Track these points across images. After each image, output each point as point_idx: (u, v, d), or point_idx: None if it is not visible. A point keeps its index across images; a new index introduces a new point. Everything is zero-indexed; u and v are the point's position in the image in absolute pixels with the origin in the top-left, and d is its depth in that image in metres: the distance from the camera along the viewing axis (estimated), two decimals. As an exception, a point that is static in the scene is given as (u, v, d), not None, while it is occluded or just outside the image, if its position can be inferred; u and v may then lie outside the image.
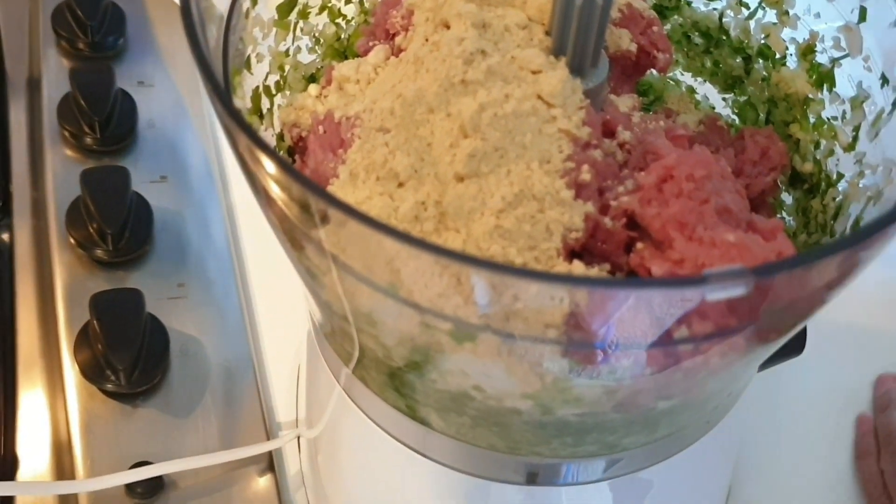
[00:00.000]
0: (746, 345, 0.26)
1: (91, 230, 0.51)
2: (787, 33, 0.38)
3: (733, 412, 0.36)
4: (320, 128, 0.31)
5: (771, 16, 0.38)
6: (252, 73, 0.33)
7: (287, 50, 0.35)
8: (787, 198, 0.38)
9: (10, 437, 0.46)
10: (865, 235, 0.22)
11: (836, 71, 0.35)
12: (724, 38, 0.40)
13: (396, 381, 0.30)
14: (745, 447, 0.47)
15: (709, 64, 0.41)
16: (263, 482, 0.46)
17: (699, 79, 0.42)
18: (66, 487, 0.44)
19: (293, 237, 0.27)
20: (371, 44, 0.34)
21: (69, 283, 0.51)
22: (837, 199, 0.34)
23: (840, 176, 0.35)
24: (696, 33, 0.41)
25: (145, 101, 0.59)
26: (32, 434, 0.47)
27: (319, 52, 0.37)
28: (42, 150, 0.56)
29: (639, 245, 0.28)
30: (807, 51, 0.37)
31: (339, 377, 0.36)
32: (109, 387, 0.47)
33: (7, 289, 0.51)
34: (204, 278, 0.53)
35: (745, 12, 0.39)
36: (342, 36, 0.38)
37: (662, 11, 0.41)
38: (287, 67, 0.35)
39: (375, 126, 0.29)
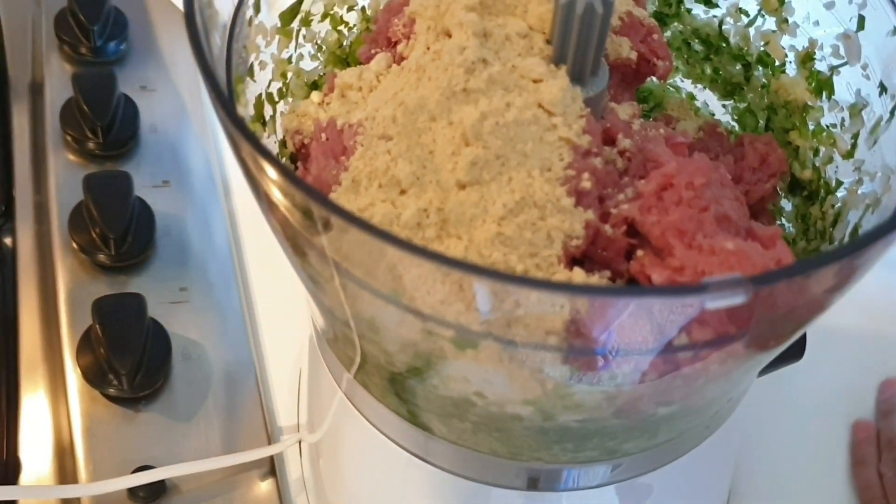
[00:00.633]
0: (746, 352, 0.26)
1: (93, 235, 0.51)
2: (786, 41, 0.38)
3: (733, 417, 0.36)
4: (323, 135, 0.31)
5: (770, 23, 0.38)
6: (255, 81, 0.33)
7: (290, 57, 0.36)
8: (786, 204, 0.38)
9: (12, 441, 0.47)
10: (863, 244, 0.22)
11: (835, 78, 0.36)
12: (724, 45, 0.40)
13: (398, 386, 0.30)
14: (744, 452, 0.47)
15: (709, 71, 0.41)
16: (265, 486, 0.46)
17: (699, 85, 0.42)
18: (68, 491, 0.44)
19: (296, 244, 0.27)
20: (373, 51, 0.34)
21: (71, 288, 0.51)
22: (836, 207, 0.34)
23: (839, 183, 0.35)
24: (696, 40, 0.41)
25: (147, 106, 0.59)
26: (35, 438, 0.47)
27: (322, 59, 0.38)
28: (45, 154, 0.57)
29: (639, 252, 0.29)
30: (806, 58, 0.37)
31: (341, 382, 0.36)
32: (112, 391, 0.47)
33: (10, 293, 0.52)
34: (206, 282, 0.53)
35: (745, 20, 0.39)
36: (344, 43, 0.38)
37: (663, 18, 0.41)
38: (290, 75, 0.36)
39: (377, 133, 0.30)
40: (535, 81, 0.29)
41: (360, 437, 0.36)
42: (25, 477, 0.46)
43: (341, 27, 0.38)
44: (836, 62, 0.36)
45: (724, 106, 0.41)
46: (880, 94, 0.33)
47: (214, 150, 0.59)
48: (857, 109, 0.34)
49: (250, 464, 0.46)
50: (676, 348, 0.24)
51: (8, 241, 0.54)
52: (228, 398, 0.49)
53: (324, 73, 0.37)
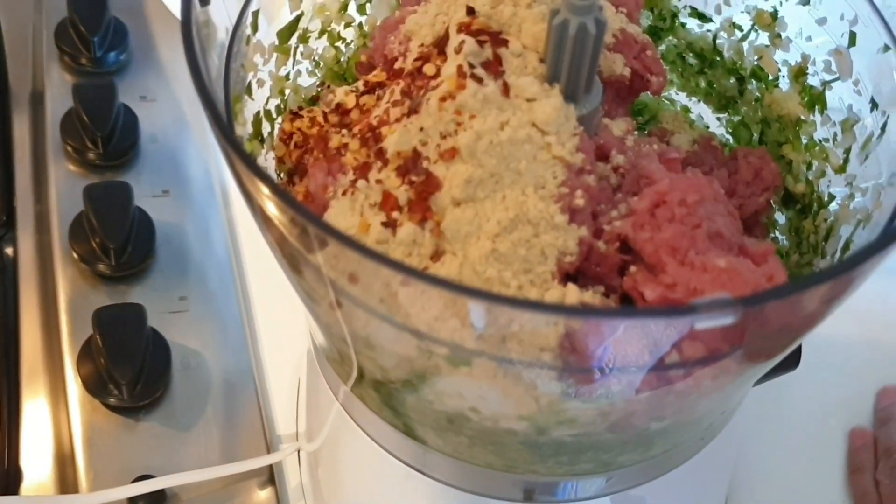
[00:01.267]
0: (738, 367, 0.27)
1: (94, 245, 0.51)
2: (779, 55, 0.38)
3: (728, 428, 0.36)
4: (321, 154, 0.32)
5: (764, 38, 0.39)
6: (253, 99, 0.33)
7: (287, 74, 0.36)
8: (780, 217, 0.38)
9: (13, 451, 0.47)
10: (851, 265, 0.22)
11: (828, 93, 0.36)
12: (718, 59, 0.40)
13: (394, 400, 0.31)
14: (740, 460, 0.48)
15: (703, 84, 0.42)
16: (264, 495, 0.47)
17: (693, 98, 0.42)
18: (68, 501, 0.44)
19: (292, 261, 0.28)
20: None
21: (72, 298, 0.51)
22: (829, 221, 0.34)
23: (832, 197, 0.35)
24: (691, 54, 0.41)
25: (147, 116, 0.59)
26: (35, 447, 0.47)
27: (319, 75, 0.38)
28: (45, 164, 0.57)
29: (632, 268, 0.29)
30: (798, 73, 0.37)
31: (338, 394, 0.36)
32: (112, 401, 0.47)
33: (11, 302, 0.52)
34: (205, 292, 0.53)
35: (739, 34, 0.39)
36: (342, 59, 0.39)
37: (657, 33, 0.41)
38: (288, 91, 0.36)
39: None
40: (528, 101, 0.29)
41: (357, 449, 0.37)
42: (26, 486, 0.46)
43: (339, 43, 0.38)
44: (828, 77, 0.36)
45: (718, 119, 0.42)
46: (871, 109, 0.34)
47: (214, 160, 0.59)
48: (848, 124, 0.35)
49: (249, 472, 0.47)
50: (669, 365, 0.24)
51: (9, 250, 0.54)
52: (228, 407, 0.49)
53: (321, 90, 0.37)
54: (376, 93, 0.32)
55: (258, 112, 0.34)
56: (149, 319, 0.49)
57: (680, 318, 0.22)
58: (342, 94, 0.33)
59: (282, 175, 0.34)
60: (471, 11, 0.31)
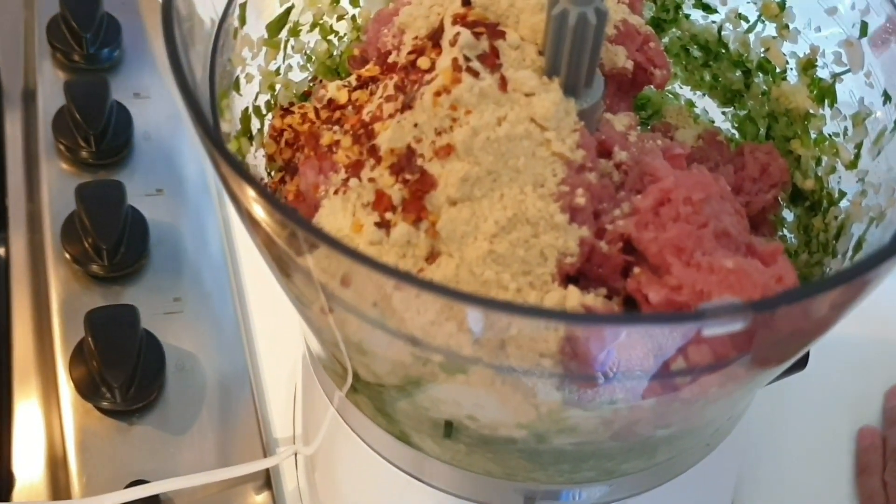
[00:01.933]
0: (746, 373, 0.26)
1: (86, 245, 0.51)
2: (787, 47, 0.37)
3: (735, 432, 0.35)
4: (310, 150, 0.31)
5: (771, 29, 0.37)
6: (241, 94, 0.32)
7: (277, 69, 0.35)
8: (788, 214, 0.37)
9: (5, 456, 0.46)
10: (868, 267, 0.21)
11: (838, 86, 0.35)
12: (723, 51, 0.39)
13: (389, 407, 0.30)
14: (747, 461, 0.47)
15: (708, 77, 0.40)
16: (261, 500, 0.46)
17: (698, 92, 0.41)
18: (61, 507, 0.44)
19: (281, 264, 0.27)
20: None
21: (64, 299, 0.50)
22: (839, 218, 0.33)
23: (842, 194, 0.34)
24: (695, 46, 0.40)
25: (141, 114, 0.58)
26: (27, 452, 0.46)
27: (311, 69, 0.37)
28: (37, 163, 0.56)
29: (636, 270, 0.28)
30: (807, 65, 0.36)
31: (333, 399, 0.35)
32: (105, 404, 0.46)
33: (2, 304, 0.51)
34: (200, 292, 0.52)
35: (745, 25, 0.38)
36: (334, 53, 0.38)
37: (660, 24, 0.40)
38: (278, 87, 0.35)
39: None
40: (527, 95, 0.28)
41: (353, 455, 0.36)
42: (18, 492, 0.45)
43: (331, 37, 0.37)
44: (838, 69, 0.35)
45: (723, 113, 0.40)
46: (884, 102, 0.33)
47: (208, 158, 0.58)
48: (860, 118, 0.34)
49: (246, 477, 0.46)
50: (675, 372, 0.23)
51: (1, 250, 0.54)
52: (223, 410, 0.48)
53: (313, 84, 0.36)
54: (369, 88, 0.31)
55: (247, 108, 0.33)
56: (142, 321, 0.48)
57: (687, 325, 0.21)
58: (334, 89, 0.32)
59: (272, 173, 0.33)
60: (466, 2, 0.30)
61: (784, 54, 0.37)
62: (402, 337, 0.24)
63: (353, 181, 0.29)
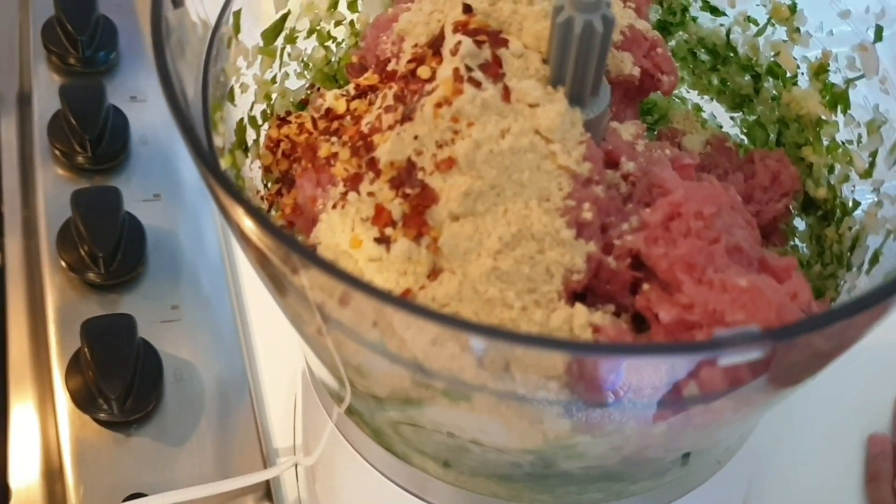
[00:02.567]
0: (761, 397, 0.25)
1: (82, 253, 0.50)
2: (798, 51, 0.36)
3: (745, 447, 0.34)
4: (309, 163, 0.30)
5: (781, 33, 0.36)
6: (235, 105, 0.31)
7: (274, 77, 0.34)
8: (800, 223, 0.36)
9: (1, 468, 0.45)
10: (891, 291, 0.20)
11: (851, 92, 0.34)
12: (732, 55, 0.38)
13: (389, 428, 0.29)
14: (755, 469, 0.46)
15: (716, 82, 0.39)
16: (261, 512, 0.45)
17: (706, 97, 0.40)
18: (57, 522, 0.43)
19: (276, 281, 0.26)
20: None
21: (61, 307, 0.50)
22: (854, 229, 0.32)
23: (856, 204, 0.33)
24: (703, 50, 0.39)
25: (138, 117, 0.57)
26: (23, 464, 0.46)
27: (308, 77, 0.36)
28: (33, 168, 0.55)
29: (645, 286, 0.27)
30: (819, 70, 0.35)
31: (332, 415, 0.34)
32: (102, 415, 0.46)
33: (-2, 313, 0.50)
34: (198, 299, 0.51)
35: (754, 29, 0.37)
36: (332, 59, 0.37)
37: (667, 27, 0.39)
38: (274, 95, 0.34)
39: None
40: (531, 106, 0.27)
41: (353, 472, 0.35)
42: (14, 505, 0.45)
43: (328, 43, 0.36)
44: (851, 75, 0.34)
45: (732, 118, 0.39)
46: (900, 109, 0.32)
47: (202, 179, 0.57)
48: (875, 126, 0.32)
49: (246, 488, 0.45)
50: (686, 400, 0.22)
51: (-4, 257, 0.53)
52: (222, 420, 0.47)
53: (310, 92, 0.35)
54: (368, 97, 0.30)
55: (242, 119, 0.32)
56: (140, 330, 0.47)
57: (701, 355, 0.20)
58: (332, 99, 0.31)
59: (269, 185, 0.32)
60: (468, 9, 0.29)
61: (795, 58, 0.36)
62: (403, 362, 0.23)
63: (351, 195, 0.28)
